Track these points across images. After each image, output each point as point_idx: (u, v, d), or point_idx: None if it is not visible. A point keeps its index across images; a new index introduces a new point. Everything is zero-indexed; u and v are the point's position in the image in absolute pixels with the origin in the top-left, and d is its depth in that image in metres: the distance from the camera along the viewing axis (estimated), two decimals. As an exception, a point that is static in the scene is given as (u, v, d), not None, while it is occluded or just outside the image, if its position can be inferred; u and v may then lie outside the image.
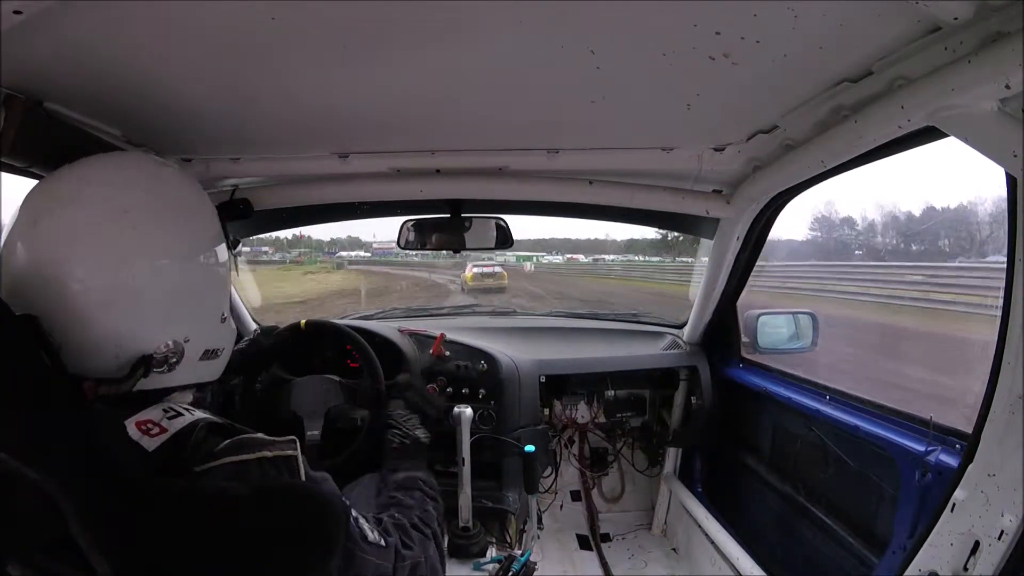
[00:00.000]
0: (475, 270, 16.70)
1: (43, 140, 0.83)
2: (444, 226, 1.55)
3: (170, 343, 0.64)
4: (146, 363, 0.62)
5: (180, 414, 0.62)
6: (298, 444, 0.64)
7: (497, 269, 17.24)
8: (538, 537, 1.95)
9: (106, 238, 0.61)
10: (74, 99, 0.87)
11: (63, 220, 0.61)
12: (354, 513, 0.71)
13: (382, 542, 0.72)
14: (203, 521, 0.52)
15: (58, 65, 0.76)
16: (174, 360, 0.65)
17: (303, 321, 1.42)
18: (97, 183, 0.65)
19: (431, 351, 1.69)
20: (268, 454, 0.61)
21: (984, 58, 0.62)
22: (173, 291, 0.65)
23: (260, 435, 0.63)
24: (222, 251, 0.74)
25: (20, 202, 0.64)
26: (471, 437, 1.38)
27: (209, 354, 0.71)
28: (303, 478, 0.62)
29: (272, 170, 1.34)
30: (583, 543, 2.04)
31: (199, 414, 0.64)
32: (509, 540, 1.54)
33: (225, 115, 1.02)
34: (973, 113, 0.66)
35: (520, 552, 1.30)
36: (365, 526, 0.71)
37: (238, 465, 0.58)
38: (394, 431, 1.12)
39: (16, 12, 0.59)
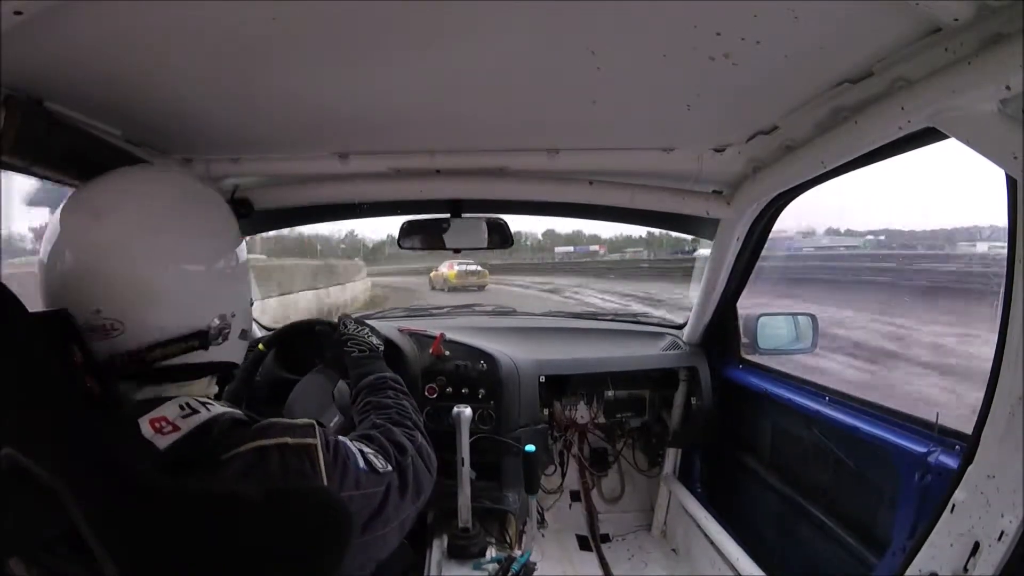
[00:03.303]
0: (458, 267, 16.67)
1: (43, 140, 0.83)
2: (444, 226, 1.54)
3: (221, 317, 0.71)
4: (202, 337, 0.69)
5: (196, 411, 0.62)
6: (317, 429, 0.66)
7: (479, 267, 17.30)
8: (543, 536, 1.95)
9: (156, 233, 0.67)
10: (74, 99, 0.87)
11: (121, 218, 0.67)
12: (357, 447, 0.72)
13: (388, 467, 0.75)
14: (209, 522, 0.53)
15: (58, 65, 0.76)
16: (227, 331, 0.73)
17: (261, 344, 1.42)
18: (140, 187, 0.72)
19: (431, 351, 1.69)
20: (289, 440, 0.62)
21: (984, 59, 0.62)
22: (219, 274, 0.74)
23: (282, 420, 0.65)
24: (243, 242, 0.82)
25: (64, 208, 0.68)
26: (471, 437, 1.38)
27: (244, 334, 0.79)
28: (323, 467, 0.63)
29: (272, 170, 1.34)
30: (583, 543, 2.03)
31: (219, 408, 0.65)
32: (509, 540, 1.54)
33: (225, 115, 1.02)
34: (973, 114, 0.66)
35: (520, 552, 1.30)
36: (373, 459, 0.73)
37: (259, 451, 0.60)
38: (351, 342, 1.14)
39: (16, 12, 0.59)
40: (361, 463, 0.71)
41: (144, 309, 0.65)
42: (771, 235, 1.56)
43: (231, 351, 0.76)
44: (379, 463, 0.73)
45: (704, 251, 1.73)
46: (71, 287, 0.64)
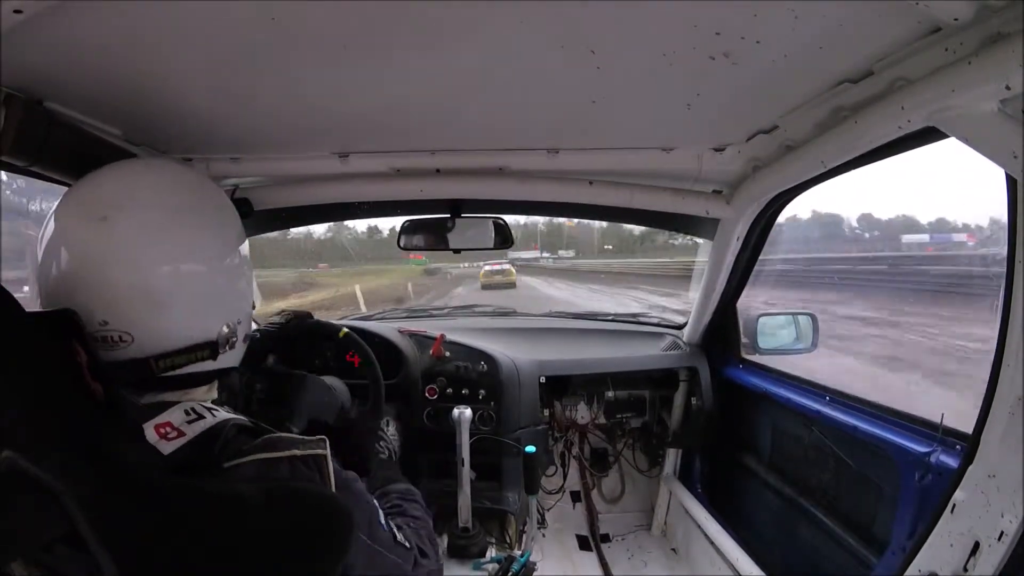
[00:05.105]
0: (486, 267, 18.24)
1: (43, 139, 0.83)
2: (444, 226, 1.54)
3: (228, 325, 0.70)
4: (211, 347, 0.67)
5: (201, 416, 0.62)
6: (328, 443, 0.64)
7: (506, 266, 18.70)
8: (543, 536, 1.95)
9: (166, 236, 0.64)
10: (74, 98, 0.87)
11: (129, 220, 0.63)
12: (382, 514, 0.73)
13: (407, 544, 0.75)
14: (210, 521, 0.52)
15: (58, 65, 0.76)
16: (234, 340, 0.71)
17: (344, 330, 1.32)
18: (145, 186, 0.68)
19: (431, 352, 1.69)
20: (298, 452, 0.61)
21: (984, 59, 0.62)
22: (228, 277, 0.71)
23: (288, 435, 0.64)
24: (246, 240, 0.78)
25: (62, 208, 0.64)
26: (471, 438, 1.38)
27: (246, 339, 0.76)
28: (332, 478, 0.63)
29: (272, 170, 1.34)
30: (583, 544, 2.04)
31: (224, 414, 0.64)
32: (509, 540, 1.54)
33: (225, 115, 1.02)
34: (973, 114, 0.66)
35: (520, 552, 1.30)
36: (397, 531, 0.74)
37: (267, 462, 0.59)
38: (382, 442, 1.15)
39: (16, 11, 0.59)
40: (399, 536, 0.73)
41: (155, 319, 0.62)
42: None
43: (234, 357, 0.74)
44: (402, 539, 0.75)
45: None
46: (74, 296, 0.61)
